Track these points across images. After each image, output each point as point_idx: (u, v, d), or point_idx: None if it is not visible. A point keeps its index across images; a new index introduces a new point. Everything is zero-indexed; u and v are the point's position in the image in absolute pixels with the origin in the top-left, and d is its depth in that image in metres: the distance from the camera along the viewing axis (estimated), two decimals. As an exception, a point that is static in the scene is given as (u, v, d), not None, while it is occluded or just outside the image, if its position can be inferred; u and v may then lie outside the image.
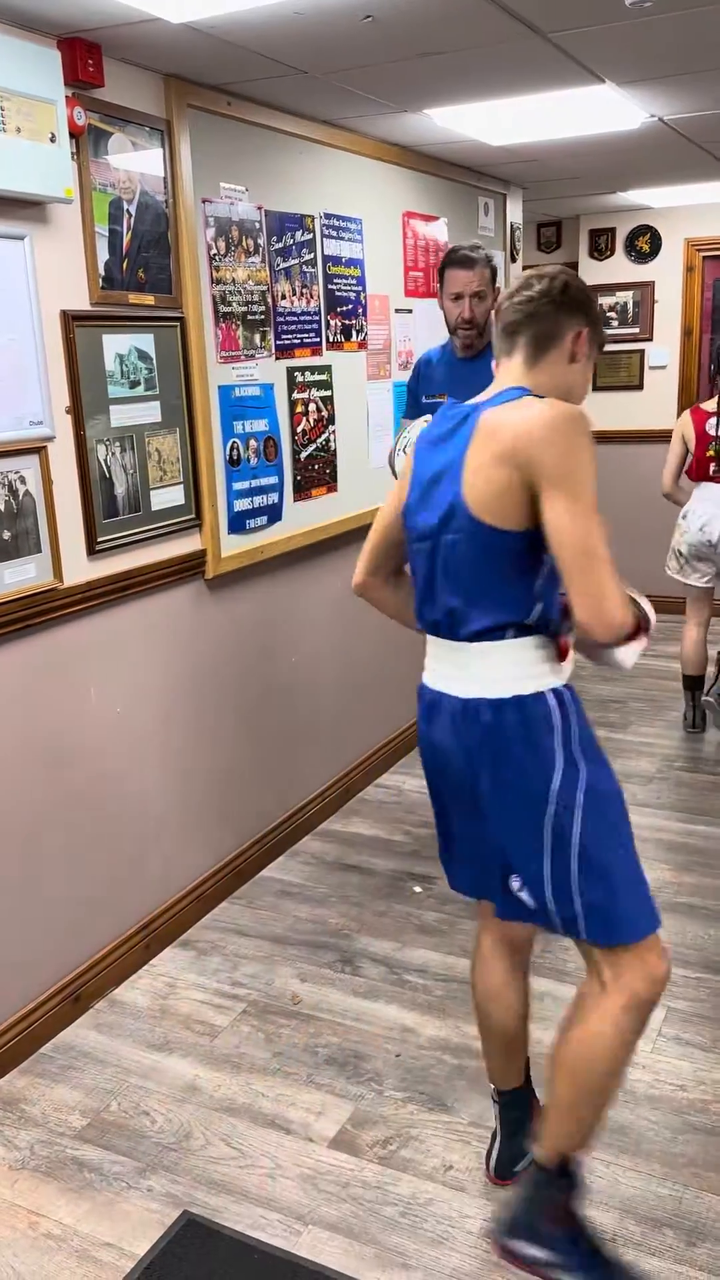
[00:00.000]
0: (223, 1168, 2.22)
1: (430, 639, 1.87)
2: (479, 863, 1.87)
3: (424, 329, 4.17)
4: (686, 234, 5.98)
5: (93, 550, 2.65)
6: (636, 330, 6.18)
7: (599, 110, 3.30)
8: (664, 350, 6.14)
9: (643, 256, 6.12)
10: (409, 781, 4.10)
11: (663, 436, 6.17)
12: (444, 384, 3.01)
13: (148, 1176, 2.20)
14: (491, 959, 2.05)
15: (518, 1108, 2.13)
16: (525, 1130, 2.09)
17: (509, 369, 1.80)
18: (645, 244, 6.10)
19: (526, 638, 1.73)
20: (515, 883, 1.77)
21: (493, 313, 1.93)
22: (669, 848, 3.50)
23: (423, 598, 1.84)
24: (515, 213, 4.94)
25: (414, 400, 3.26)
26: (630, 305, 6.19)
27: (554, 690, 1.75)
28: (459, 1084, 2.43)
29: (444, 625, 1.80)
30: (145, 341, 2.76)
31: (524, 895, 1.76)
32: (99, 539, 2.66)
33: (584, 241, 6.24)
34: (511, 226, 4.90)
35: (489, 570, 1.71)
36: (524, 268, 5.17)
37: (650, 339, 6.15)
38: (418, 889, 3.29)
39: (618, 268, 6.18)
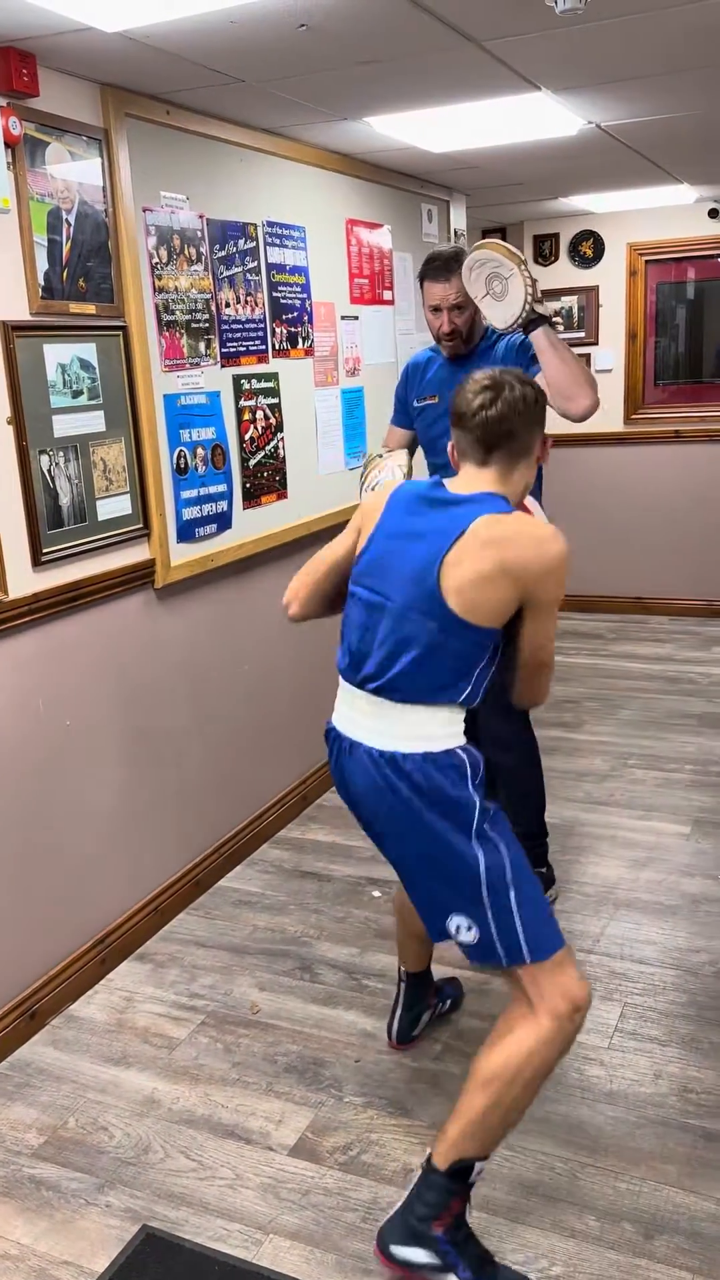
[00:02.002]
0: (182, 1180, 2.20)
1: (347, 684, 1.96)
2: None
3: (372, 335, 4.19)
4: (629, 238, 6.06)
5: (38, 561, 2.63)
6: (582, 334, 6.25)
7: (537, 117, 3.33)
8: (609, 354, 6.21)
9: (586, 261, 6.19)
10: (366, 787, 4.10)
11: (610, 439, 6.26)
12: (438, 386, 3.02)
13: (106, 1192, 2.18)
14: None
15: (420, 985, 2.53)
16: (420, 1003, 2.54)
17: (483, 476, 1.91)
18: (589, 249, 6.18)
19: (451, 707, 1.87)
20: (460, 922, 1.86)
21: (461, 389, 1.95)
22: (623, 844, 3.53)
23: (356, 646, 1.92)
24: (459, 219, 4.98)
25: (403, 408, 3.19)
26: (575, 310, 6.26)
27: (462, 747, 1.88)
28: (418, 1088, 2.43)
29: (372, 682, 1.88)
30: (88, 351, 2.74)
31: (470, 934, 1.85)
32: (44, 550, 2.64)
33: (529, 247, 6.30)
34: (455, 233, 4.94)
35: (446, 658, 1.82)
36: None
37: (595, 343, 6.22)
38: (376, 894, 3.30)
39: (562, 272, 6.25)
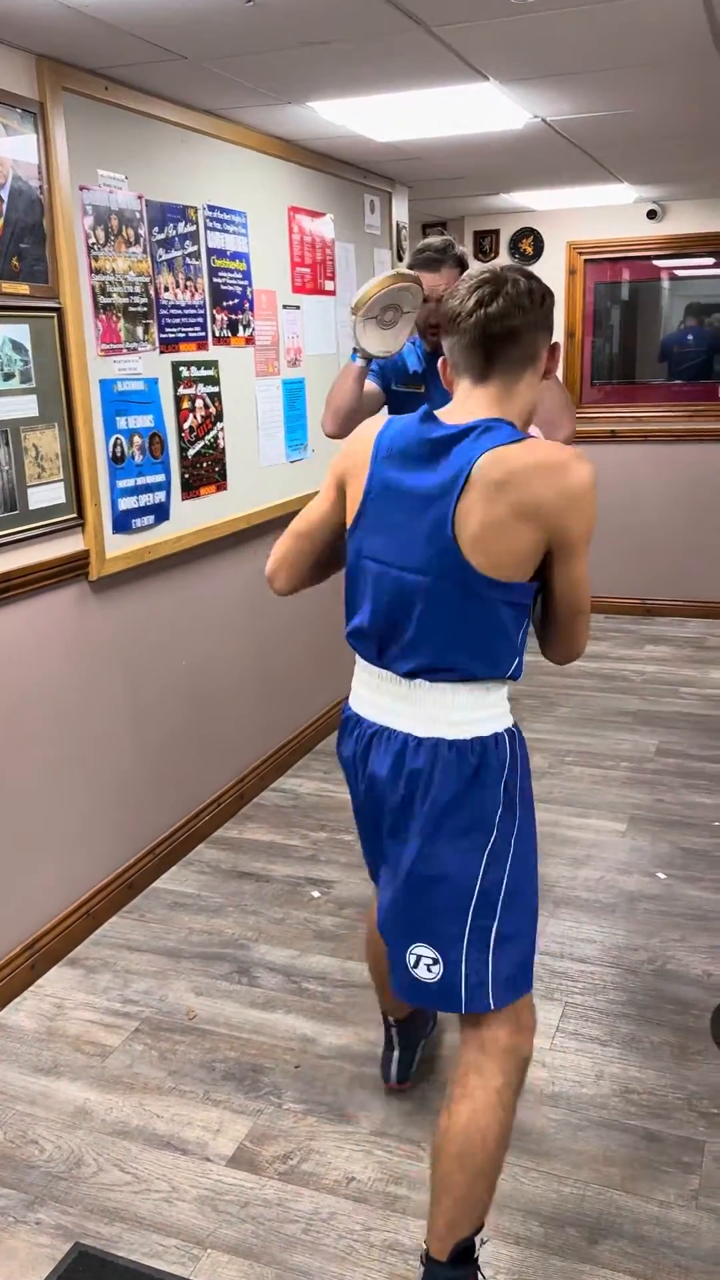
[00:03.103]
0: (116, 1194, 2.12)
1: (368, 667, 1.75)
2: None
3: (314, 326, 4.13)
4: (568, 237, 6.08)
5: (-33, 552, 2.52)
6: (521, 331, 6.24)
7: (483, 109, 3.30)
8: (548, 351, 6.22)
9: (526, 259, 6.19)
10: (306, 785, 4.05)
11: (548, 436, 6.27)
12: (421, 377, 2.96)
13: (36, 1209, 2.09)
14: None
15: (413, 1026, 2.36)
16: (415, 1040, 2.38)
17: (482, 396, 1.63)
18: (529, 246, 6.18)
19: (497, 684, 1.68)
20: (419, 954, 1.70)
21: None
22: (561, 842, 3.53)
23: (370, 625, 1.69)
24: (401, 212, 4.93)
25: (384, 385, 3.06)
26: (515, 307, 6.25)
27: (508, 730, 1.71)
28: (360, 1093, 2.39)
29: (396, 662, 1.68)
30: (20, 332, 2.63)
31: (427, 973, 1.70)
32: (-26, 540, 2.53)
33: (469, 243, 6.28)
34: (397, 225, 4.89)
35: (476, 623, 1.60)
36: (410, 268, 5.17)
37: (535, 340, 6.23)
38: (315, 894, 3.24)
39: (502, 269, 6.24)
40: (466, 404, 1.64)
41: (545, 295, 1.64)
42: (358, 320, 2.60)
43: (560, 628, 1.68)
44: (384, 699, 1.72)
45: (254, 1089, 2.41)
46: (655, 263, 6.06)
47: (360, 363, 2.72)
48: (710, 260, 5.95)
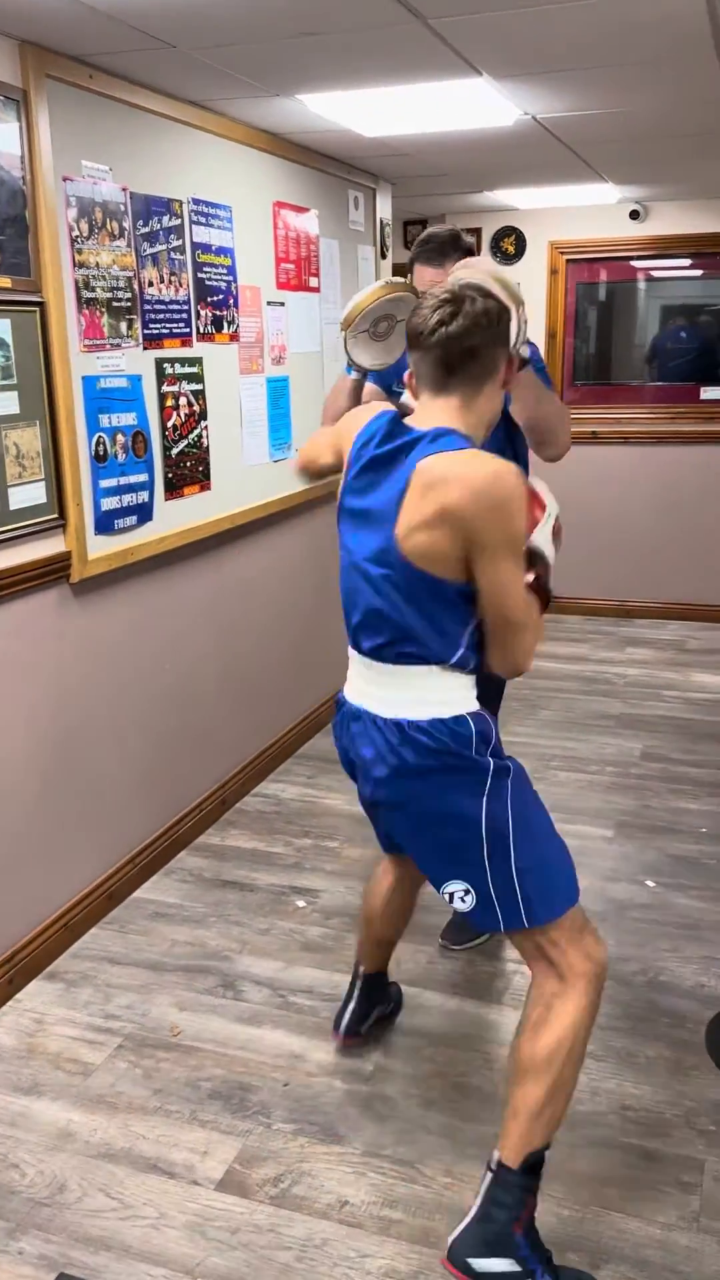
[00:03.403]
0: (102, 1221, 2.05)
1: (352, 651, 1.91)
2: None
3: (298, 323, 4.06)
4: (550, 236, 6.04)
5: (-54, 554, 2.43)
6: (503, 331, 6.20)
7: (474, 105, 3.24)
8: (530, 352, 6.18)
9: (508, 258, 6.16)
10: (289, 790, 3.98)
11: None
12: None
13: (18, 1238, 2.01)
14: (385, 875, 2.36)
15: (376, 987, 2.52)
16: (372, 1002, 2.51)
17: (441, 408, 1.77)
18: (510, 245, 6.14)
19: (451, 670, 1.80)
20: (456, 888, 1.84)
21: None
22: (550, 850, 3.49)
23: (350, 611, 1.87)
24: (385, 208, 4.87)
25: (385, 385, 2.91)
26: (497, 306, 6.21)
27: (471, 714, 1.82)
28: (350, 1111, 2.33)
29: (369, 646, 1.84)
30: (1, 327, 2.55)
31: (466, 901, 1.84)
32: (-48, 541, 2.44)
33: (451, 241, 6.22)
34: (381, 222, 4.83)
35: (426, 616, 1.75)
36: (393, 265, 5.12)
37: (516, 340, 6.19)
38: (301, 903, 3.18)
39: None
40: (429, 412, 1.78)
41: (501, 313, 1.77)
42: (348, 336, 2.48)
43: (492, 635, 1.78)
44: (361, 682, 1.89)
45: (242, 1108, 2.34)
46: (635, 263, 6.04)
47: (355, 376, 2.62)
48: (689, 261, 5.94)
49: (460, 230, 2.70)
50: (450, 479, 1.66)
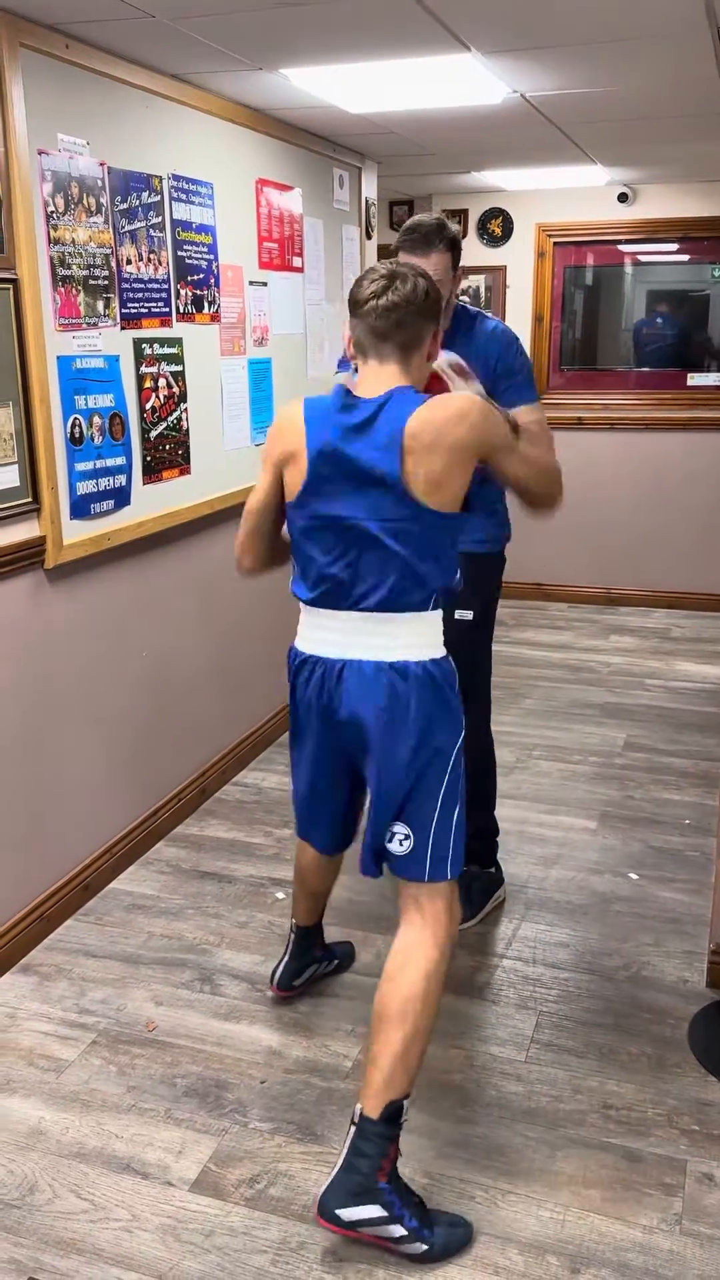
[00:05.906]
0: (73, 1224, 2.01)
1: (322, 611, 2.03)
2: (340, 825, 2.30)
3: (281, 304, 3.98)
4: (538, 219, 5.97)
5: None
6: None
7: (462, 82, 3.17)
8: (516, 335, 6.12)
9: (495, 240, 6.08)
10: (268, 779, 3.93)
11: (515, 422, 6.17)
12: None
13: (-13, 1241, 1.97)
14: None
15: (309, 938, 2.62)
16: (307, 955, 2.62)
17: (388, 373, 1.97)
18: (497, 227, 6.07)
19: (435, 611, 2.02)
20: (399, 831, 2.02)
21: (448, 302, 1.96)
22: (531, 840, 3.46)
23: (333, 571, 1.99)
24: (370, 188, 4.79)
25: None
26: (482, 289, 6.15)
27: (446, 656, 2.06)
28: (329, 1109, 2.29)
29: (369, 598, 1.97)
30: (-27, 305, 2.47)
31: (403, 845, 2.03)
32: None
33: (437, 222, 6.14)
34: (366, 201, 4.75)
35: (432, 548, 1.95)
36: (379, 246, 5.04)
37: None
38: (280, 895, 3.13)
39: (470, 250, 6.08)
40: (377, 378, 1.97)
41: (429, 293, 1.97)
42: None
43: (537, 484, 2.10)
44: (346, 637, 2.02)
45: (218, 1107, 2.30)
46: (623, 247, 5.98)
47: (350, 374, 2.52)
48: (676, 246, 5.88)
49: (445, 219, 2.57)
50: (447, 425, 1.89)
